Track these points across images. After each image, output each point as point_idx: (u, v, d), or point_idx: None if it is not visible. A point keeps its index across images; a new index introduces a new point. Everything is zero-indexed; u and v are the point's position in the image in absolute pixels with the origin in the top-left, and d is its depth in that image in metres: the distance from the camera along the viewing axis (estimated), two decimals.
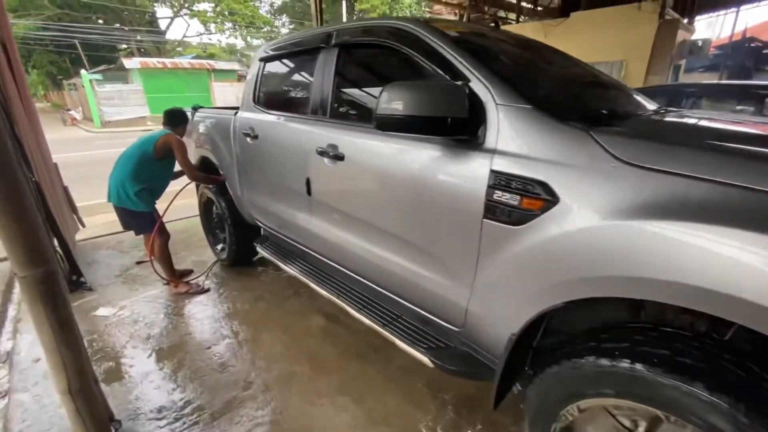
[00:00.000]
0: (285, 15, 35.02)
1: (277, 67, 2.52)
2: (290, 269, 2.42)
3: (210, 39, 32.03)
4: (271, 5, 34.33)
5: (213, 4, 27.27)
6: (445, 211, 1.38)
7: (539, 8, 9.65)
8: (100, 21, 26.82)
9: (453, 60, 1.42)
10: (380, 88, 1.34)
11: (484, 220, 1.26)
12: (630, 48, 6.19)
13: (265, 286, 3.03)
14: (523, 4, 9.82)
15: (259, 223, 2.80)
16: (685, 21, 7.23)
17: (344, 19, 4.96)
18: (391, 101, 1.27)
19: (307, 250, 2.34)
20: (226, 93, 21.74)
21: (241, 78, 24.62)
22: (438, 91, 1.24)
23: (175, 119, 2.92)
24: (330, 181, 1.90)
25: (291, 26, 34.84)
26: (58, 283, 1.34)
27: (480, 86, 1.32)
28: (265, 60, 2.53)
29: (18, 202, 1.20)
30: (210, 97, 21.74)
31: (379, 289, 1.86)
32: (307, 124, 2.04)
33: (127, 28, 26.91)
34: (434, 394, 1.90)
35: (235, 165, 2.75)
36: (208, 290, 2.99)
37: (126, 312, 2.70)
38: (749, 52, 13.00)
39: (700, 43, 8.05)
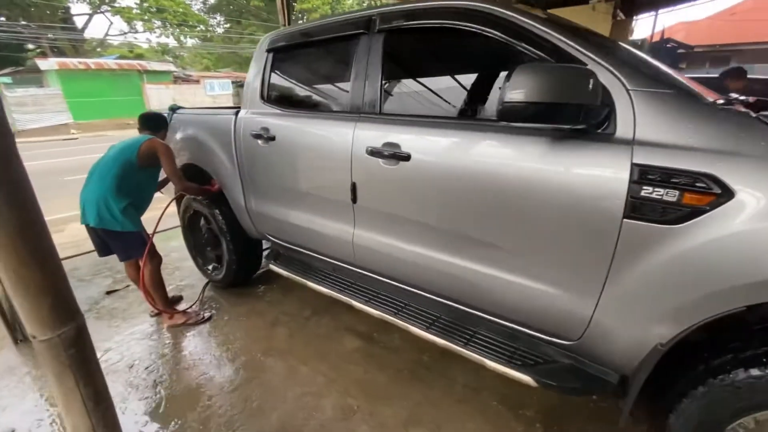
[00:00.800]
0: (219, 13, 33.10)
1: (292, 59, 2.20)
2: (323, 288, 2.13)
3: (136, 38, 29.34)
4: (204, 3, 32.25)
5: (139, 0, 24.97)
6: (565, 213, 1.22)
7: None
8: (2, 18, 23.43)
9: (560, 43, 1.26)
10: (444, 77, 1.18)
11: (625, 220, 1.12)
12: None
13: (276, 307, 2.68)
14: None
15: (270, 238, 2.45)
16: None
17: (282, 17, 4.64)
18: (520, 87, 1.07)
19: (343, 264, 2.07)
20: (162, 96, 20.02)
21: (177, 80, 22.82)
22: (570, 75, 1.07)
23: (156, 123, 2.50)
24: (389, 186, 1.65)
25: (227, 25, 33.02)
26: (89, 342, 0.98)
27: (602, 71, 1.17)
28: (275, 51, 2.21)
29: (42, 241, 0.84)
30: (143, 100, 19.87)
31: (453, 304, 1.66)
32: (349, 122, 1.77)
33: (34, 26, 23.75)
34: (514, 413, 1.74)
35: (238, 172, 2.39)
36: (209, 318, 2.58)
37: (114, 355, 2.23)
38: (667, 52, 14.50)
39: (639, 43, 8.77)
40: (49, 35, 24.46)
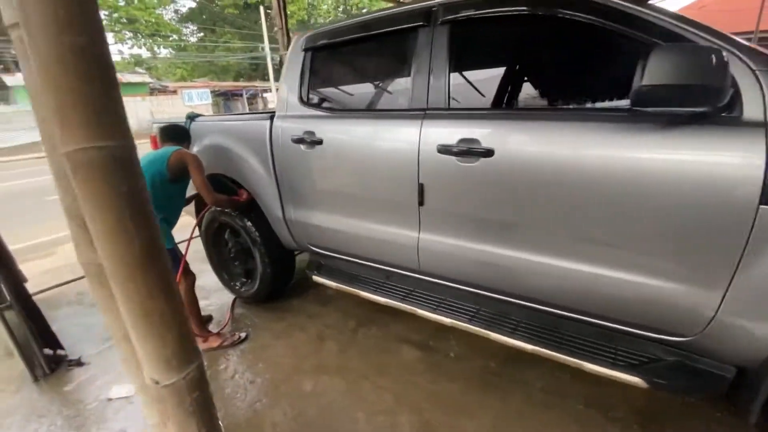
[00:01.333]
0: (192, 22, 32.35)
1: (335, 58, 2.08)
2: (380, 298, 2.01)
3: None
4: (176, 12, 31.50)
5: (108, 12, 24.18)
6: (687, 203, 1.15)
7: None
8: None
9: (671, 27, 1.19)
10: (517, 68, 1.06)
11: (762, 206, 1.05)
12: None
13: (317, 320, 2.54)
14: None
15: (311, 248, 2.32)
16: None
17: (279, 21, 4.51)
18: (660, 69, 1.00)
19: (401, 271, 1.96)
20: (139, 109, 19.38)
21: (154, 91, 22.17)
22: (708, 55, 1.00)
23: (180, 134, 2.34)
24: (466, 185, 1.55)
25: (200, 34, 32.31)
26: (208, 383, 0.85)
27: (725, 52, 1.11)
28: (314, 50, 2.08)
29: (165, 270, 0.71)
30: None
31: (540, 307, 1.57)
32: (413, 120, 1.67)
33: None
34: (605, 415, 1.66)
35: (275, 181, 2.25)
36: (245, 338, 2.42)
37: None
38: None
39: None
40: (12, 50, 23.41)
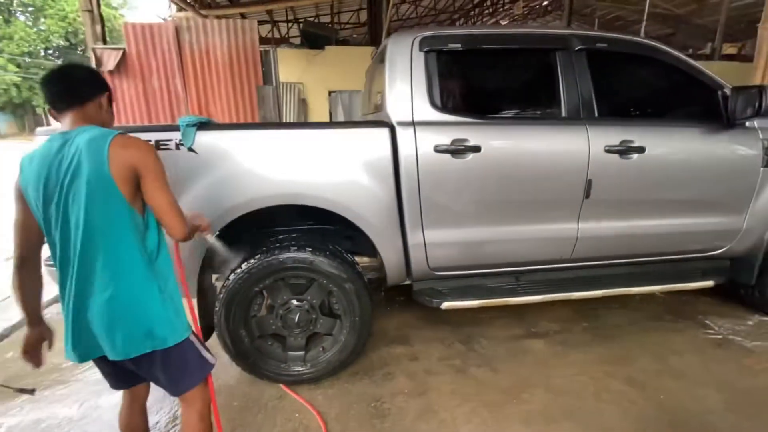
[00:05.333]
0: None
1: (468, 63, 1.96)
2: (519, 298, 2.07)
3: None
4: None
5: None
6: (739, 170, 2.11)
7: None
8: None
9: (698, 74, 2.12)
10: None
11: (764, 168, 2.12)
12: None
13: (421, 361, 2.17)
14: None
15: (438, 273, 2.03)
16: None
17: None
18: (742, 100, 1.86)
19: (539, 267, 2.14)
20: None
21: None
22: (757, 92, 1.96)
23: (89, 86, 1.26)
24: (626, 176, 2.00)
25: None
26: None
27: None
28: (438, 53, 1.89)
29: None
30: None
31: (654, 258, 2.22)
32: (577, 126, 1.95)
33: None
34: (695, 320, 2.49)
35: (408, 200, 1.86)
36: None
37: None
38: None
39: None
40: None
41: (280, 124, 2.03)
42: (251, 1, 8.47)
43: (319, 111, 8.07)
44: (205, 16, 6.44)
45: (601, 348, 2.25)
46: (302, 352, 1.98)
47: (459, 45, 1.91)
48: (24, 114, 26.90)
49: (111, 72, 3.76)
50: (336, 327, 1.99)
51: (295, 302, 1.90)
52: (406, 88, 1.87)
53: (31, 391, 1.39)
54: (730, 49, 12.00)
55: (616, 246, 2.15)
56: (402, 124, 1.84)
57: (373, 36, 10.06)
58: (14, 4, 25.09)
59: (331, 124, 1.87)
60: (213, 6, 7.30)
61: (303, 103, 7.93)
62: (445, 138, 1.83)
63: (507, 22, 15.17)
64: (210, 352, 1.27)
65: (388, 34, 8.82)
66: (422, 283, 2.11)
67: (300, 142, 1.80)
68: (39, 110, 26.31)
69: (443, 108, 1.90)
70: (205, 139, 1.68)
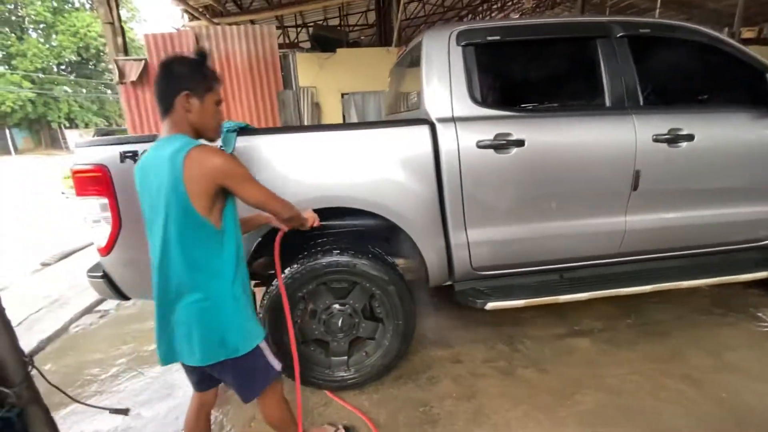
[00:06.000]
0: None
1: (507, 55, 1.91)
2: (566, 296, 1.99)
3: None
4: None
5: None
6: None
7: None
8: None
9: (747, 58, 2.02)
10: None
11: None
12: (387, 81, 7.88)
13: (465, 364, 2.12)
14: None
15: (480, 273, 1.98)
16: None
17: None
18: None
19: (584, 262, 2.07)
20: None
21: None
22: None
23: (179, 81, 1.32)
24: (675, 166, 1.92)
25: None
26: None
27: None
28: (476, 46, 1.84)
29: None
30: None
31: (704, 250, 2.14)
32: (623, 116, 1.88)
33: None
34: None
35: (449, 199, 1.81)
36: None
37: None
38: None
39: None
40: None
41: (319, 126, 1.99)
42: (261, 7, 8.52)
43: (332, 114, 8.05)
44: (217, 24, 6.49)
45: (650, 345, 2.17)
46: (345, 357, 1.94)
47: (497, 37, 1.86)
48: (40, 129, 27.51)
49: (134, 83, 3.79)
50: (378, 331, 1.95)
51: (337, 306, 1.87)
52: (444, 83, 1.82)
53: (125, 411, 1.46)
54: (747, 33, 11.67)
55: (665, 238, 2.06)
56: (442, 120, 1.79)
57: (383, 36, 10.05)
58: (26, 22, 25.71)
59: (370, 124, 1.82)
60: (224, 14, 7.36)
61: (316, 107, 7.93)
62: (487, 133, 1.78)
63: (517, 16, 15.05)
64: (276, 358, 1.29)
65: (399, 34, 8.79)
66: (464, 283, 2.05)
67: (339, 144, 1.76)
68: (54, 125, 26.90)
69: (484, 102, 1.85)
70: (245, 144, 1.66)
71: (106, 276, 1.78)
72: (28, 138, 27.27)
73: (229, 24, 6.65)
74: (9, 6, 24.46)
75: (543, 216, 1.92)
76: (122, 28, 3.94)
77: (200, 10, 6.64)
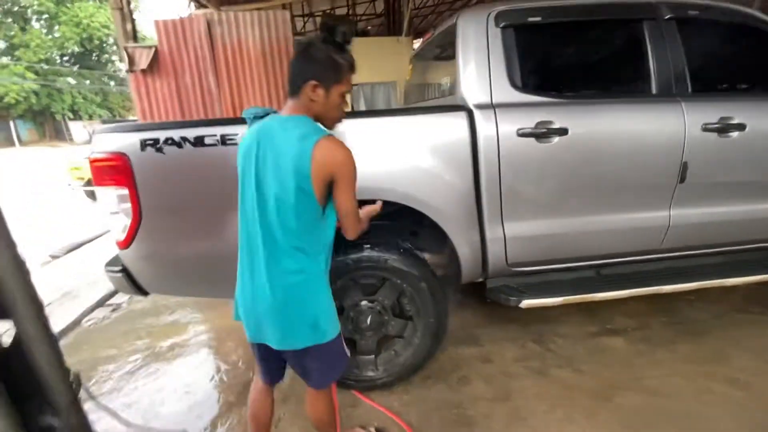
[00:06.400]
0: None
1: (549, 38, 1.79)
2: (605, 293, 1.90)
3: None
4: None
5: None
6: None
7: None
8: None
9: None
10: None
11: None
12: (397, 71, 7.76)
13: (495, 363, 2.04)
14: None
15: (516, 269, 1.88)
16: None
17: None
18: None
19: (626, 258, 1.97)
20: None
21: None
22: None
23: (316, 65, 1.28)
24: (724, 157, 1.81)
25: None
26: None
27: None
28: (515, 28, 1.73)
29: None
30: None
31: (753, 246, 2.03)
32: (671, 104, 1.77)
33: None
34: None
35: (486, 191, 1.71)
36: None
37: None
38: None
39: None
40: None
41: (347, 114, 1.86)
42: None
43: None
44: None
45: (689, 345, 2.08)
46: (373, 356, 1.86)
47: (539, 18, 1.74)
48: (44, 121, 27.47)
49: (144, 71, 3.68)
50: (408, 329, 1.86)
51: (366, 303, 1.78)
52: (483, 68, 1.71)
53: None
54: None
55: (711, 234, 1.96)
56: (480, 107, 1.68)
57: (392, 26, 9.87)
58: (29, 12, 25.55)
59: (401, 110, 1.71)
60: (232, 2, 7.20)
61: None
62: (528, 120, 1.67)
63: None
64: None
65: (409, 23, 8.62)
66: (496, 280, 1.96)
67: (368, 132, 1.66)
68: (58, 117, 26.85)
69: (525, 88, 1.73)
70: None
71: (125, 270, 1.70)
72: (32, 130, 27.24)
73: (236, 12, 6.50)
74: None
75: (584, 209, 1.82)
76: (131, 14, 3.83)
77: None
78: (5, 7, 24.41)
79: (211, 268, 1.68)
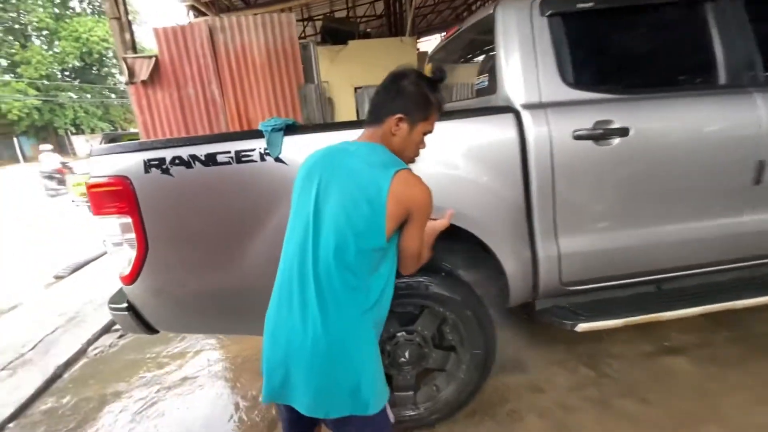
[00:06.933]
0: None
1: (602, 26, 1.58)
2: (672, 312, 1.67)
3: None
4: None
5: None
6: None
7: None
8: None
9: None
10: None
11: None
12: None
13: (548, 392, 1.82)
14: None
15: (570, 288, 1.66)
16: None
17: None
18: None
19: (697, 271, 1.74)
20: None
21: None
22: None
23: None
24: None
25: None
26: None
27: None
28: (564, 16, 1.52)
29: None
30: None
31: None
32: (743, 95, 1.55)
33: None
34: None
35: (538, 203, 1.49)
36: None
37: None
38: None
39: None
40: None
41: None
42: (266, 1, 8.18)
43: (345, 109, 7.74)
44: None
45: (764, 365, 1.85)
46: (411, 393, 1.65)
47: (590, 3, 1.52)
48: (47, 136, 27.51)
49: (144, 82, 3.50)
50: (451, 361, 1.64)
51: (404, 335, 1.57)
52: (529, 62, 1.49)
53: None
54: None
55: None
56: (529, 107, 1.47)
57: (393, 27, 9.69)
58: (29, 29, 25.66)
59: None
60: (231, 9, 7.05)
61: (329, 102, 7.62)
62: (585, 120, 1.46)
63: None
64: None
65: (413, 23, 8.43)
66: (545, 300, 1.74)
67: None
68: (61, 132, 26.90)
69: (578, 83, 1.52)
70: (294, 145, 1.36)
71: (131, 308, 1.50)
72: (35, 146, 27.31)
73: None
74: (12, 14, 24.39)
75: (647, 218, 1.60)
76: (129, 23, 3.65)
77: (205, 1, 6.32)
78: (6, 25, 24.50)
79: (227, 303, 1.48)
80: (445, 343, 1.64)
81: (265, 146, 1.33)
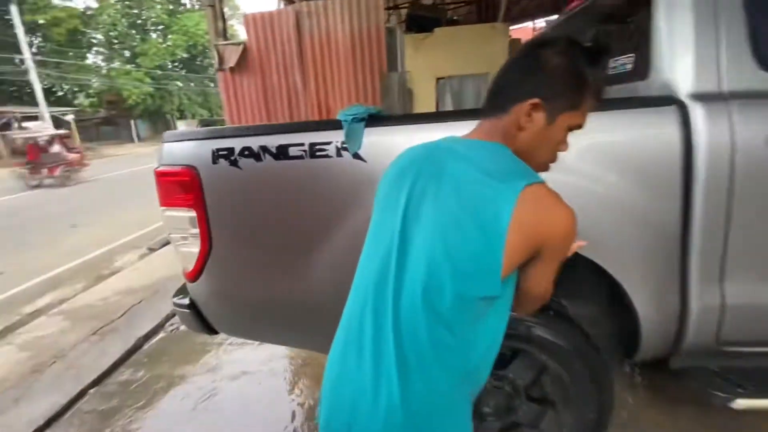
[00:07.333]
0: None
1: None
2: None
3: None
4: None
5: None
6: None
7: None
8: None
9: None
10: None
11: None
12: (490, 62, 7.06)
13: None
14: None
15: (728, 349, 1.22)
16: None
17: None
18: None
19: None
20: None
21: None
22: None
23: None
24: None
25: None
26: None
27: None
28: None
29: None
30: None
31: None
32: None
33: None
34: None
35: (702, 231, 1.08)
36: None
37: None
38: None
39: None
40: None
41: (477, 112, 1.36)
42: None
43: (425, 101, 7.37)
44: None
45: None
46: None
47: None
48: (157, 120, 31.28)
49: (232, 69, 3.57)
50: (546, 420, 1.30)
51: (491, 380, 1.27)
52: (706, 31, 1.06)
53: None
54: None
55: None
56: (701, 97, 1.05)
57: (482, 13, 9.07)
58: (148, 24, 29.18)
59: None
60: None
61: (409, 93, 7.35)
62: None
63: None
64: None
65: (507, 8, 7.78)
66: (684, 360, 1.30)
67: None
68: (168, 116, 30.42)
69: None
70: (377, 139, 1.11)
71: (193, 305, 1.40)
72: (148, 128, 31.26)
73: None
74: (135, 11, 27.91)
75: None
76: (222, 12, 3.76)
77: None
78: (131, 20, 28.10)
79: (290, 314, 1.30)
80: (541, 395, 1.31)
81: (343, 139, 1.11)
